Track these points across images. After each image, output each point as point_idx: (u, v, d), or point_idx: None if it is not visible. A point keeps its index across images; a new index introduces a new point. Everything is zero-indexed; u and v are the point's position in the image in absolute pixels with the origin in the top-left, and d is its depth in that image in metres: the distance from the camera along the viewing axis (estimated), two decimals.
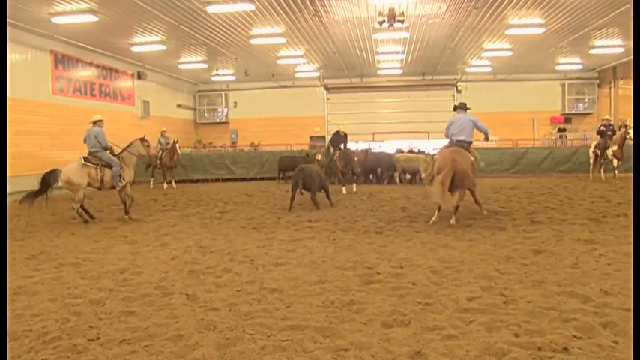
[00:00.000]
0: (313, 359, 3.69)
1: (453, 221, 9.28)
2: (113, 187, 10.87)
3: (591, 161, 18.53)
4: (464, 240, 7.86)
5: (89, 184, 10.62)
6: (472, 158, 9.75)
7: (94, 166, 10.57)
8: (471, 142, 10.08)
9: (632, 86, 27.26)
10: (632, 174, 18.96)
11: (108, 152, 10.87)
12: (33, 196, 10.12)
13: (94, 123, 10.97)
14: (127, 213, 10.87)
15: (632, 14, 15.68)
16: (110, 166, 10.71)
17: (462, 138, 9.87)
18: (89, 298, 5.21)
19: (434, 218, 9.61)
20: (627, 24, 16.97)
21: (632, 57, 22.64)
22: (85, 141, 10.88)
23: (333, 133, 17.46)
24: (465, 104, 10.42)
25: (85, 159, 10.61)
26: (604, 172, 18.11)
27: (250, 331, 4.21)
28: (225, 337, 4.08)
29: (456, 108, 10.53)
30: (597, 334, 3.94)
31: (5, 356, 3.54)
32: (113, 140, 11.38)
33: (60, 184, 10.38)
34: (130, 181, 11.15)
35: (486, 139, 10.50)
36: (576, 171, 20.56)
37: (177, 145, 19.39)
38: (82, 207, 10.53)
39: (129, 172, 11.13)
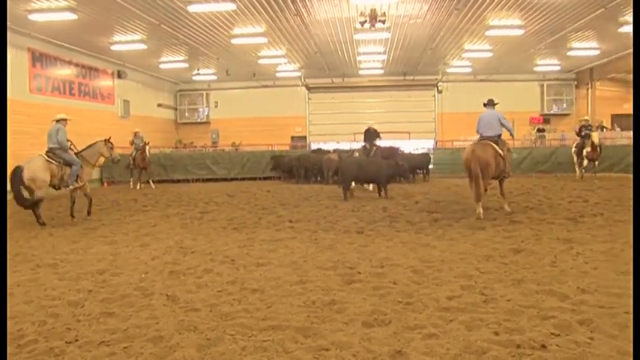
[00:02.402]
0: (294, 359, 3.69)
1: (507, 208, 10.55)
2: (67, 186, 10.67)
3: (575, 160, 18.77)
4: (444, 239, 7.91)
5: (49, 182, 10.38)
6: (499, 150, 10.33)
7: (56, 163, 10.36)
8: (499, 135, 10.69)
9: (608, 88, 27.75)
10: (610, 174, 19.31)
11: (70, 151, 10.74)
12: (24, 201, 9.91)
13: (57, 121, 10.77)
14: (72, 214, 10.77)
15: (606, 19, 15.99)
16: (70, 165, 10.54)
17: (489, 134, 10.56)
18: (67, 300, 5.14)
19: (479, 210, 9.91)
20: (602, 27, 17.33)
21: (608, 59, 23.06)
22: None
23: (365, 130, 18.29)
24: (492, 100, 11.09)
25: (47, 155, 10.38)
26: (584, 171, 18.36)
27: (231, 331, 4.19)
28: (206, 338, 4.05)
29: (485, 105, 11.14)
30: (574, 331, 3.99)
31: (5, 356, 3.50)
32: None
33: (24, 181, 9.90)
34: (87, 180, 11.17)
35: (512, 136, 11.68)
36: (555, 171, 20.84)
37: (148, 148, 19.40)
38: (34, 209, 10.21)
39: (88, 172, 11.12)
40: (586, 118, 20.11)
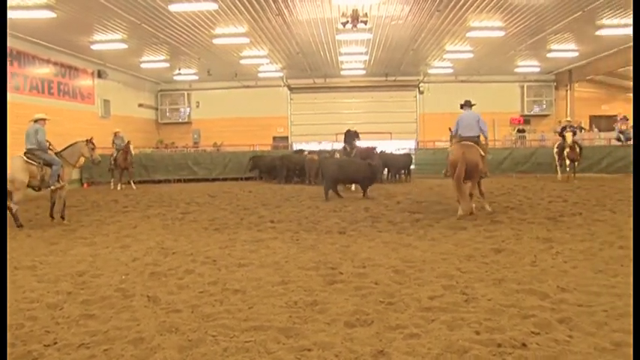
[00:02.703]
0: None
1: (488, 207, 10.67)
2: (48, 186, 10.35)
3: (556, 161, 18.88)
4: (426, 240, 7.95)
5: (28, 183, 10.09)
6: (481, 151, 10.48)
7: (36, 164, 10.11)
8: (478, 136, 10.78)
9: (587, 89, 28.13)
10: (590, 174, 19.55)
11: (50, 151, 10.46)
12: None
13: (36, 121, 10.51)
14: (52, 215, 10.58)
15: (584, 22, 16.21)
16: (50, 165, 10.27)
17: (470, 134, 10.61)
18: (46, 302, 5.06)
19: (459, 212, 10.15)
20: (580, 29, 17.61)
21: (586, 61, 23.40)
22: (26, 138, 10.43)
23: (345, 132, 18.49)
24: (470, 101, 11.12)
25: (26, 156, 10.11)
26: (567, 170, 18.49)
27: (213, 332, 4.16)
28: (188, 340, 4.02)
29: (462, 106, 11.16)
30: (554, 329, 4.04)
31: (5, 356, 3.45)
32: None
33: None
34: (67, 181, 10.84)
35: (485, 139, 11.33)
36: (535, 171, 21.06)
37: (132, 147, 19.25)
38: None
39: (68, 173, 10.82)
40: (568, 119, 20.24)
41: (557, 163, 18.74)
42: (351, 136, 18.09)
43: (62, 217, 10.66)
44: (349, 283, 5.57)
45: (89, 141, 11.38)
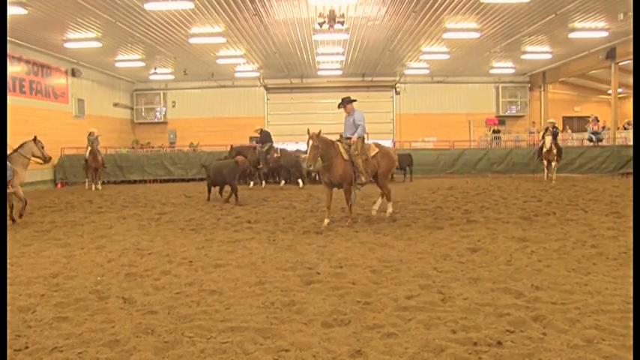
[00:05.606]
0: None
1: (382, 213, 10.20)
2: None
3: (537, 160, 19.24)
4: (402, 239, 8.00)
5: None
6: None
7: None
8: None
9: (560, 91, 28.59)
10: (566, 174, 19.88)
11: None
12: None
13: None
14: (20, 216, 10.30)
15: (557, 25, 16.48)
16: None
17: None
18: (17, 306, 4.95)
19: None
20: (553, 32, 17.93)
21: (559, 63, 23.77)
22: None
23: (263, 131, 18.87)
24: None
25: None
26: (544, 171, 18.78)
27: (189, 334, 4.13)
28: (164, 341, 3.98)
29: (347, 103, 10.36)
30: (528, 327, 4.10)
31: (5, 356, 3.38)
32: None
33: None
34: (21, 182, 10.39)
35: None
36: (510, 171, 21.38)
37: (88, 149, 18.74)
38: None
39: (20, 175, 10.35)
40: (551, 120, 20.43)
41: (538, 162, 19.09)
42: (267, 135, 18.42)
43: (20, 216, 10.39)
44: (326, 283, 5.57)
45: (36, 139, 10.84)
